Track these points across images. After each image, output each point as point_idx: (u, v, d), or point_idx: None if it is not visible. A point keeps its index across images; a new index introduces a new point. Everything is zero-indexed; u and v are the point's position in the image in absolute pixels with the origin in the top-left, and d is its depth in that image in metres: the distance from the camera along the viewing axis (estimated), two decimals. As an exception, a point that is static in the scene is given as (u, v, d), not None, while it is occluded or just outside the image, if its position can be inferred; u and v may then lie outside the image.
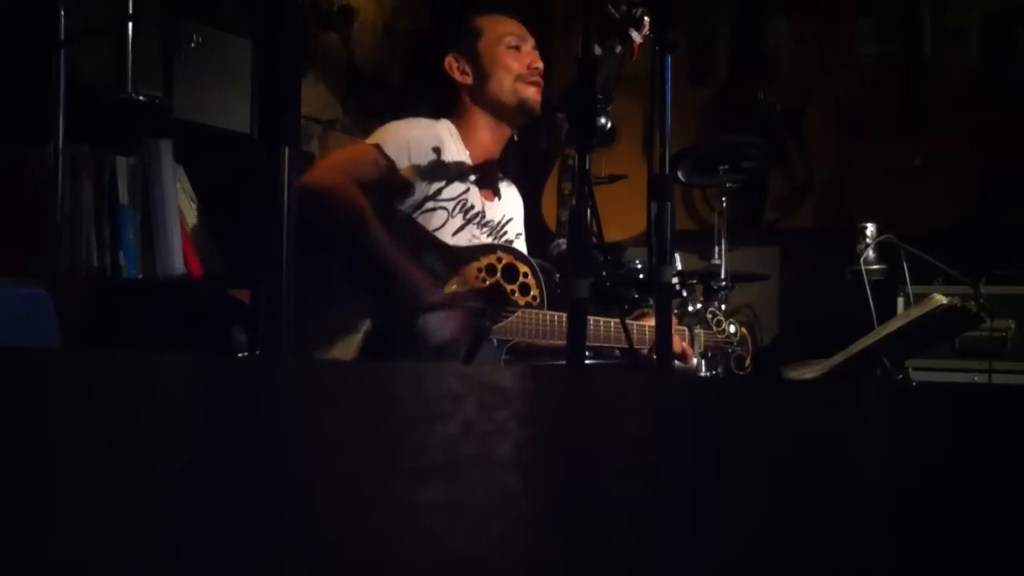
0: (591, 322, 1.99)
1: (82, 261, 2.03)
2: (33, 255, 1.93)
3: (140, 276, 2.15)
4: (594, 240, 1.50)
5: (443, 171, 2.13)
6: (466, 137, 2.21)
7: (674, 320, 2.27)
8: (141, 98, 2.12)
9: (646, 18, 1.79)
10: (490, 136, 2.24)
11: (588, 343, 1.60)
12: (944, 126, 3.69)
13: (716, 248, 3.10)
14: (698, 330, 2.29)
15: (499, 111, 2.22)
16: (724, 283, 2.89)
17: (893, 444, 0.49)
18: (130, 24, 2.08)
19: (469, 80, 2.23)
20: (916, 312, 2.48)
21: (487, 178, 2.26)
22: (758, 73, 4.09)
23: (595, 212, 1.48)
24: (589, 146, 1.50)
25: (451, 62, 2.24)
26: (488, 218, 2.23)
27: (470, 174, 2.19)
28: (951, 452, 0.47)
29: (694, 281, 2.68)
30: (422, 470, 0.37)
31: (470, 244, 2.15)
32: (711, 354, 2.40)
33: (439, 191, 2.12)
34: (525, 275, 2.11)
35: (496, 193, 2.30)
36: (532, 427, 0.52)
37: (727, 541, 0.28)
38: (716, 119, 4.12)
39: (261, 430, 0.47)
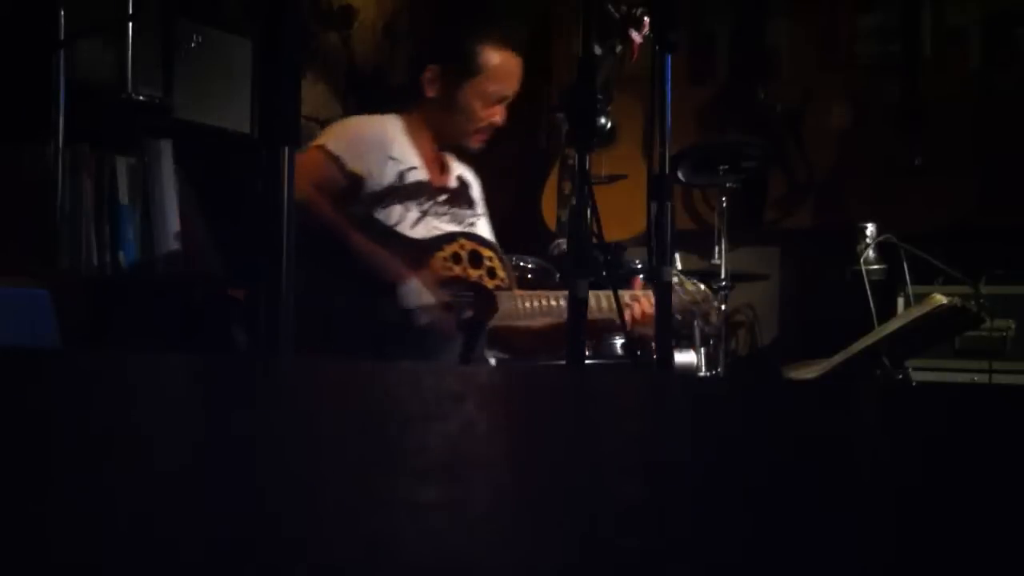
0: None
1: (82, 261, 2.03)
2: (33, 255, 1.93)
3: (140, 276, 2.15)
4: (594, 240, 1.50)
5: (393, 166, 2.12)
6: (413, 135, 2.18)
7: (638, 284, 2.25)
8: (141, 98, 2.12)
9: (646, 18, 1.80)
10: (430, 143, 2.20)
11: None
12: (944, 126, 3.69)
13: (716, 248, 3.09)
14: None
15: (442, 135, 2.19)
16: (724, 283, 2.89)
17: (893, 444, 0.49)
18: (130, 24, 2.08)
19: (433, 95, 2.15)
20: (916, 312, 2.48)
21: (438, 167, 2.24)
22: (758, 73, 4.08)
23: (595, 212, 1.48)
24: (589, 146, 1.50)
25: (429, 74, 2.15)
26: (446, 204, 2.20)
27: (420, 167, 2.17)
28: (951, 452, 0.47)
29: (694, 281, 2.67)
30: (422, 470, 0.37)
31: (430, 234, 2.14)
32: (680, 317, 2.36)
33: (391, 186, 2.10)
34: (490, 259, 2.10)
35: (449, 178, 2.26)
36: (531, 427, 0.52)
37: (727, 541, 0.28)
38: (716, 119, 4.11)
39: (261, 430, 0.47)
